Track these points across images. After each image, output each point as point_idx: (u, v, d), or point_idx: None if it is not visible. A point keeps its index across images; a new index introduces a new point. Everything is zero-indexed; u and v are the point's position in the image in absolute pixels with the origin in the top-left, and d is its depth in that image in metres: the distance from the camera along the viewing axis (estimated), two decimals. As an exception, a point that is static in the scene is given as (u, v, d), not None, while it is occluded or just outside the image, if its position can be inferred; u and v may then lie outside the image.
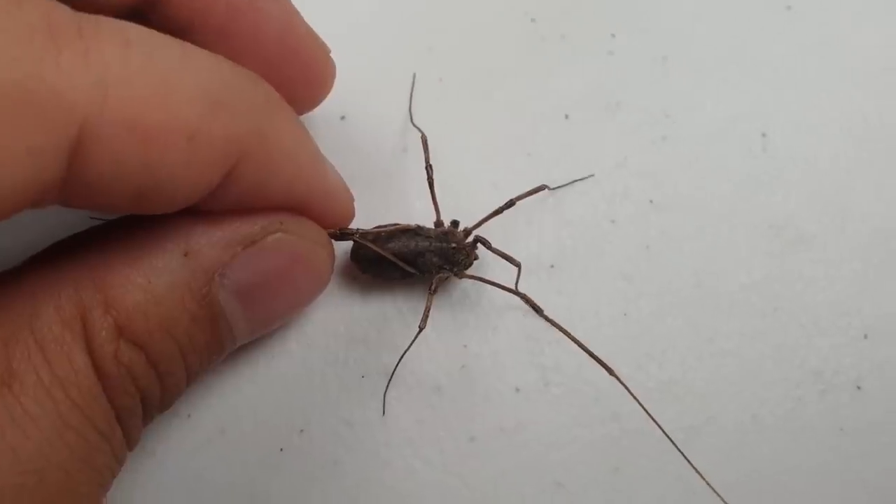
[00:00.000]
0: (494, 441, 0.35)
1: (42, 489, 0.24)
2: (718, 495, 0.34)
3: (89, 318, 0.25)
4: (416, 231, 0.36)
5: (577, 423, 0.35)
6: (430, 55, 0.41)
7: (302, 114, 0.36)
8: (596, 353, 0.33)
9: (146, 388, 0.27)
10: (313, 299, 0.34)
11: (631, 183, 0.39)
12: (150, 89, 0.23)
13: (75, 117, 0.21)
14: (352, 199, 0.33)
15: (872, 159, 0.39)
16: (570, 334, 0.33)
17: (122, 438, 0.27)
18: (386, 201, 0.38)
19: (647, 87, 0.41)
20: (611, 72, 0.41)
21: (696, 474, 0.33)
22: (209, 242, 0.28)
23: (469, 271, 0.36)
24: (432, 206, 0.36)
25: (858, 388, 0.36)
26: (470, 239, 0.36)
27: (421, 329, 0.34)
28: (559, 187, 0.39)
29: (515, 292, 0.35)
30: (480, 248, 0.36)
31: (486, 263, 0.37)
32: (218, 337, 0.29)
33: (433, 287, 0.35)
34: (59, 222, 0.32)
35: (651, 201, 0.39)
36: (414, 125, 0.39)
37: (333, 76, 0.35)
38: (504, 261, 0.36)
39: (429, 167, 0.36)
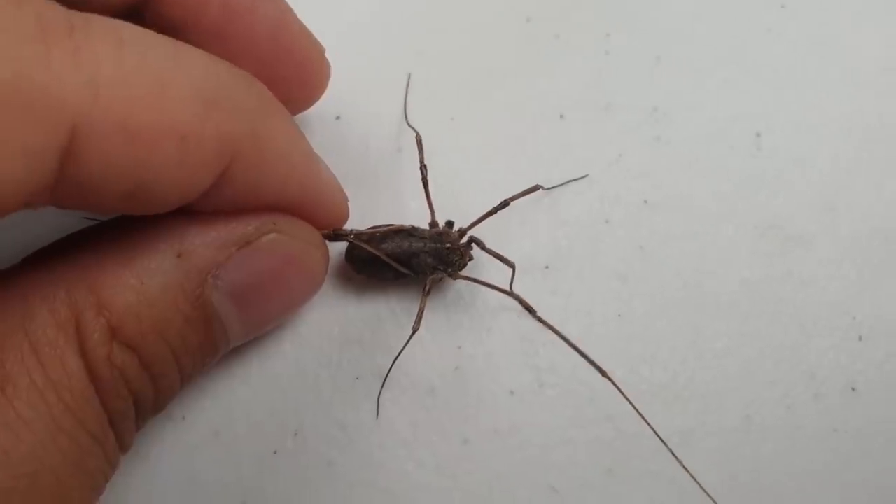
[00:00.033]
0: (488, 443, 0.35)
1: (34, 493, 0.23)
2: (711, 498, 0.34)
3: (82, 320, 0.25)
4: (411, 232, 0.36)
5: (572, 425, 0.35)
6: (425, 55, 0.41)
7: (297, 113, 0.36)
8: (590, 354, 0.33)
9: (139, 390, 0.27)
10: (307, 300, 0.34)
11: (626, 183, 0.39)
12: (142, 89, 0.23)
13: (66, 117, 0.21)
14: (346, 200, 0.33)
15: (870, 159, 0.39)
16: (563, 336, 0.33)
17: (115, 442, 0.26)
18: (380, 202, 0.38)
19: (641, 87, 0.41)
20: (605, 72, 0.41)
21: (690, 476, 0.33)
22: (203, 243, 0.28)
23: (464, 272, 0.36)
24: (427, 207, 0.36)
25: (853, 389, 0.36)
26: (464, 240, 0.36)
27: (415, 330, 0.34)
28: (554, 187, 0.38)
29: (509, 293, 0.35)
30: (475, 249, 0.36)
31: (480, 264, 0.37)
32: (212, 339, 0.29)
33: (427, 288, 0.35)
34: (52, 224, 0.31)
35: (646, 201, 0.39)
36: (409, 125, 0.39)
37: (328, 76, 0.35)
38: (499, 261, 0.35)
39: (423, 167, 0.36)
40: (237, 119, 0.26)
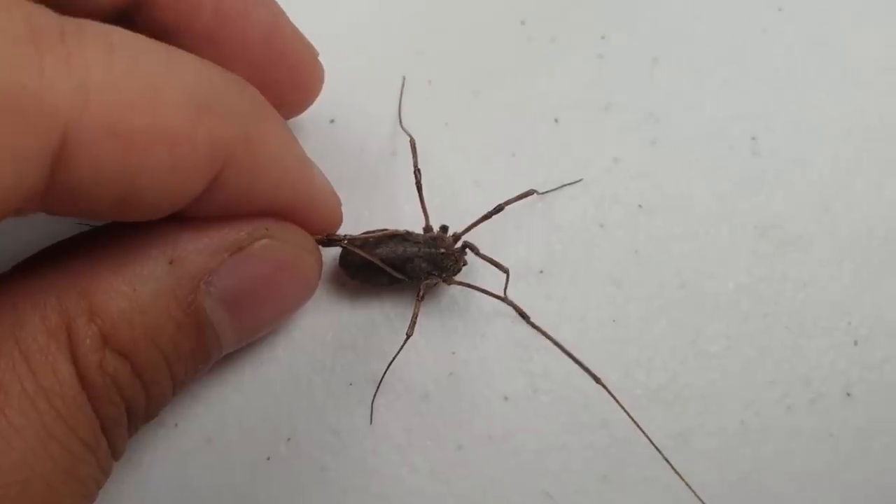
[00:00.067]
0: (482, 449, 0.35)
1: (25, 501, 0.23)
2: None
3: (74, 327, 0.25)
4: (405, 237, 0.35)
5: (566, 431, 0.35)
6: (420, 58, 0.41)
7: (290, 118, 0.36)
8: (585, 359, 0.33)
9: (131, 397, 0.27)
10: (301, 306, 0.34)
11: (620, 186, 0.39)
12: (133, 94, 0.23)
13: (57, 122, 0.21)
14: (339, 205, 0.33)
15: (869, 160, 0.39)
16: (557, 342, 0.33)
17: (107, 449, 0.26)
18: (374, 206, 0.38)
19: (637, 89, 0.41)
20: (601, 74, 0.41)
21: (685, 484, 0.33)
22: (195, 249, 0.28)
23: (458, 277, 0.36)
24: (421, 211, 0.36)
25: (848, 394, 0.36)
26: (459, 244, 0.36)
27: (409, 336, 0.34)
28: (548, 192, 0.38)
29: (503, 299, 0.35)
30: (469, 254, 0.36)
31: (475, 269, 0.37)
32: (204, 345, 0.28)
33: (421, 293, 0.35)
34: (42, 230, 0.31)
35: (640, 205, 0.39)
36: (403, 129, 0.39)
37: (322, 79, 0.35)
38: (493, 266, 0.35)
39: (417, 171, 0.36)
40: (229, 124, 0.26)
